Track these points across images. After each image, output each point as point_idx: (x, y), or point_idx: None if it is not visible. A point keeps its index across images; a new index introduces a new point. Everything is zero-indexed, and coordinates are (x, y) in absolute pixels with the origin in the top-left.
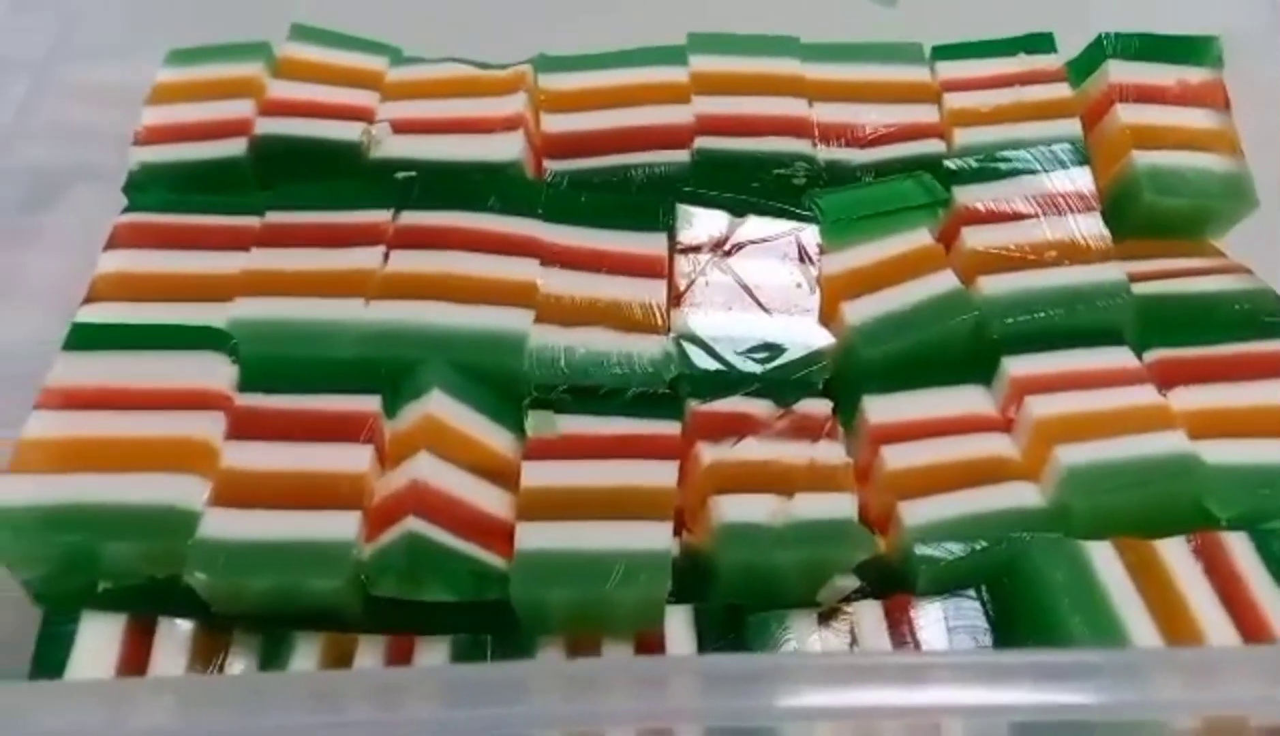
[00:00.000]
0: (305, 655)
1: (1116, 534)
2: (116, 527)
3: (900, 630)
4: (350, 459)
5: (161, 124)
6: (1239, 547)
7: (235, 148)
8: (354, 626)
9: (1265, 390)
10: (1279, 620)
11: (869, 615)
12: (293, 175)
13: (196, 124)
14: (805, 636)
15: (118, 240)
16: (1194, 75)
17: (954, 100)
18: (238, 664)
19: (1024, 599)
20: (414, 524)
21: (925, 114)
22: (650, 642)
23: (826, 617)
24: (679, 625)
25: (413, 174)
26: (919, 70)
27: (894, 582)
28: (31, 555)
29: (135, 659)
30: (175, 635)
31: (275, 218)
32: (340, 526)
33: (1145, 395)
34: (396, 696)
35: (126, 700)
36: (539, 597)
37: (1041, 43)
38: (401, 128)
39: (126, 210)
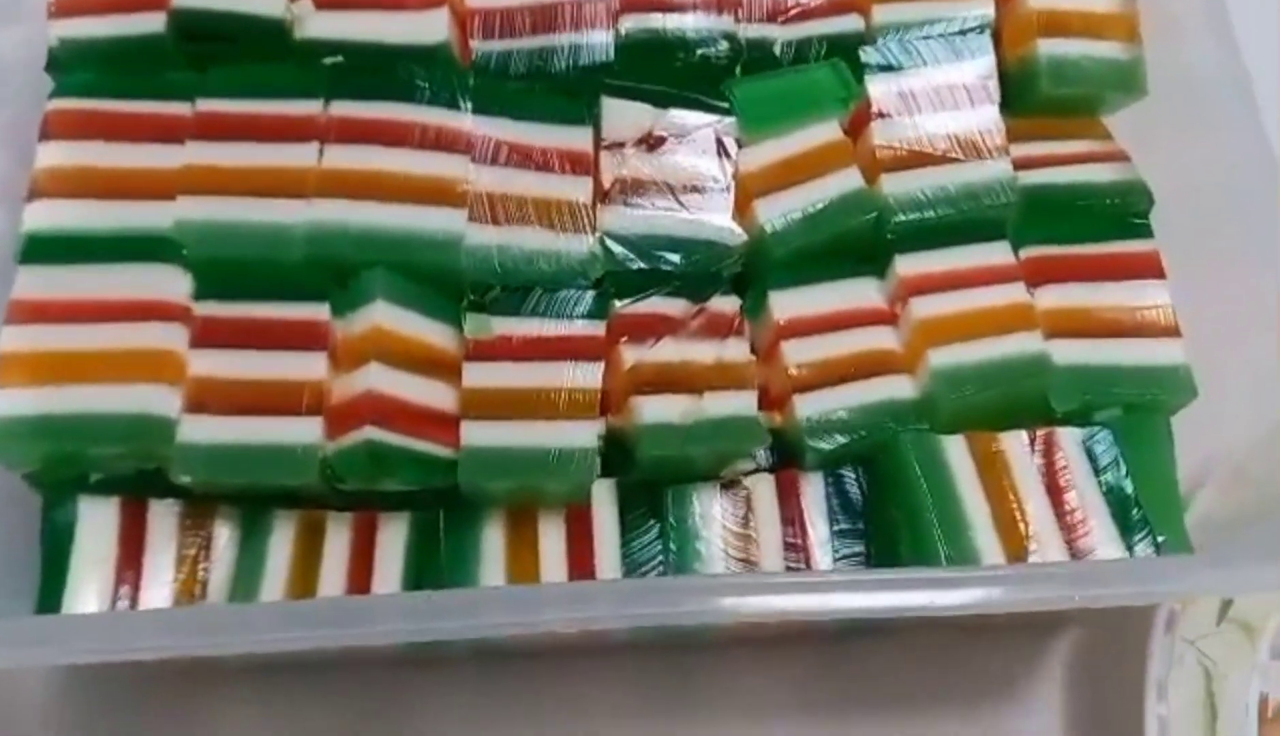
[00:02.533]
0: (282, 530)
1: (975, 424)
2: (101, 434)
3: (789, 501)
4: (308, 366)
5: None
6: (1067, 442)
7: (154, 23)
8: (323, 503)
9: (1116, 292)
10: (1088, 506)
11: (763, 487)
12: (217, 51)
13: None
14: (709, 506)
15: (51, 130)
16: None
17: None
18: (223, 538)
19: (892, 480)
20: (371, 431)
21: None
22: (579, 512)
23: (728, 488)
24: (603, 496)
25: (340, 59)
26: None
27: (786, 451)
28: (25, 458)
29: (133, 537)
30: (166, 514)
31: (207, 107)
32: (305, 431)
33: (1014, 294)
34: (378, 616)
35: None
36: (483, 486)
37: None
38: (323, 2)
39: (54, 94)
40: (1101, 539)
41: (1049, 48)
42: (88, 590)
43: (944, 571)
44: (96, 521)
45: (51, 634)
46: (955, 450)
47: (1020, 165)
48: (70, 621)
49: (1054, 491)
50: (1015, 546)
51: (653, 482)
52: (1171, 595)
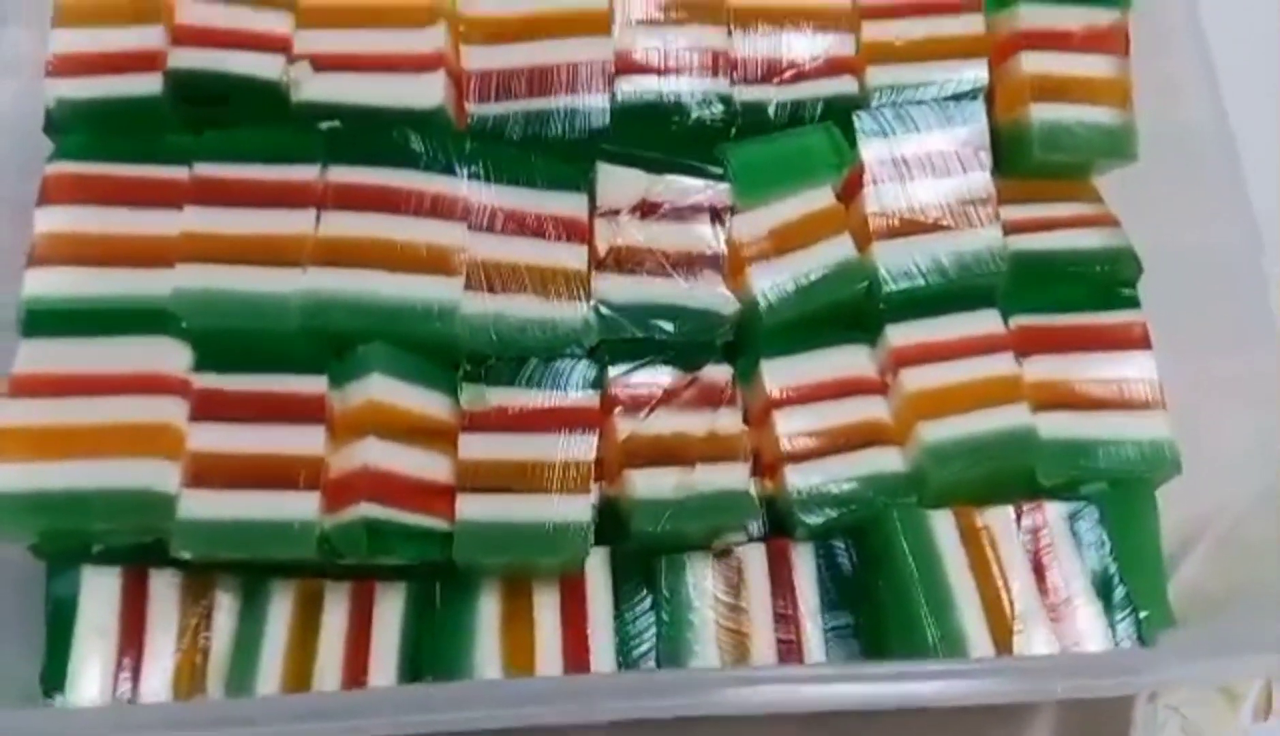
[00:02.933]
0: (281, 599)
1: (963, 495)
2: (100, 510)
3: (780, 571)
4: (305, 440)
5: (72, 52)
6: (1053, 519)
7: (151, 84)
8: (322, 572)
9: (1103, 364)
10: (1072, 584)
11: (755, 557)
12: (214, 113)
13: (108, 55)
14: (702, 576)
15: (50, 195)
16: (1101, 18)
17: (871, 31)
18: (223, 607)
19: (880, 555)
20: (367, 508)
21: (842, 45)
22: (574, 583)
23: (720, 557)
24: (598, 566)
25: (337, 124)
26: None
27: (776, 517)
28: (26, 532)
29: (135, 607)
30: (167, 584)
31: (205, 171)
32: (303, 506)
33: (1003, 365)
34: (375, 710)
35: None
36: (477, 560)
37: None
38: (321, 64)
39: (53, 157)
40: (1085, 617)
41: (1042, 113)
42: (91, 659)
43: (931, 665)
44: (99, 591)
45: (53, 728)
46: (942, 527)
47: (1011, 229)
48: (73, 716)
49: (1039, 568)
50: (1000, 624)
51: (646, 551)
52: (1152, 685)
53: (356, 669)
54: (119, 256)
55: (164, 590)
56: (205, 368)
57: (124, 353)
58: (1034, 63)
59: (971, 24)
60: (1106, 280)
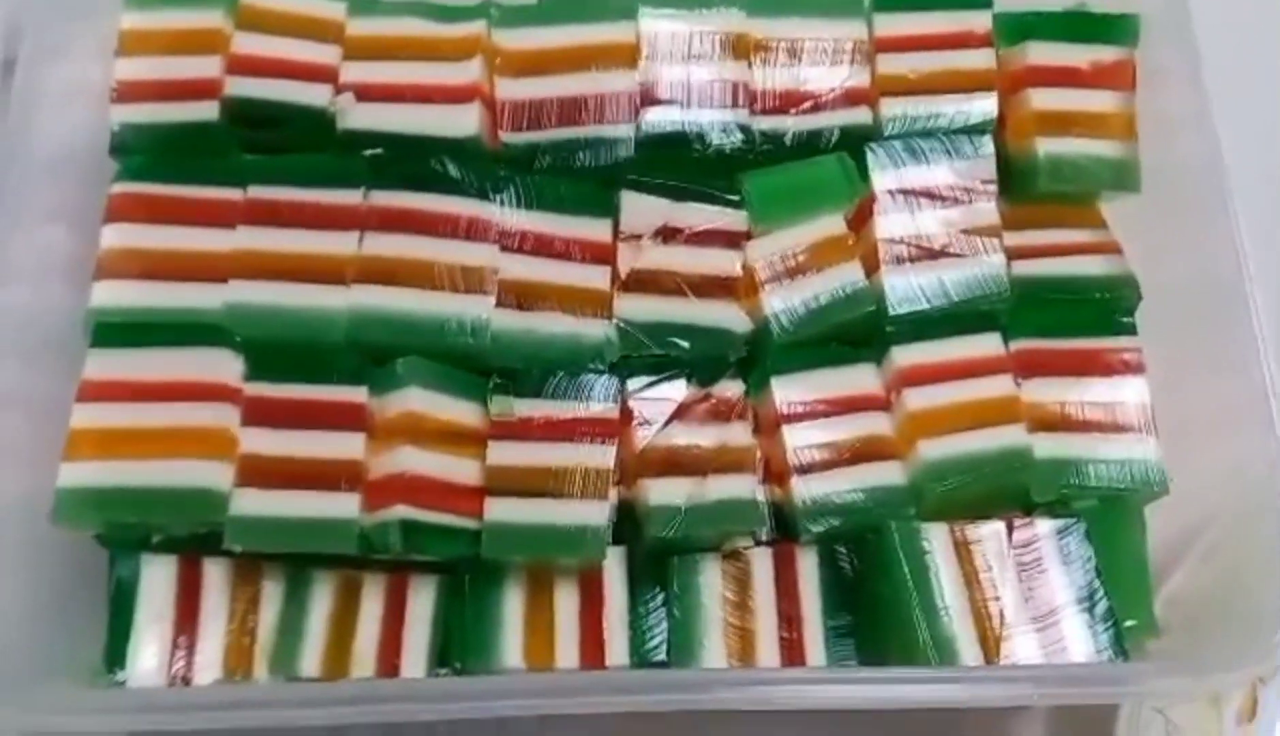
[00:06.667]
0: (323, 587)
1: (959, 509)
2: (160, 505)
3: (785, 573)
4: (347, 445)
5: (135, 79)
6: (1042, 534)
7: (209, 111)
8: (360, 563)
9: (1099, 388)
10: (1058, 597)
11: (762, 559)
12: (266, 135)
13: (168, 82)
14: (712, 577)
15: (115, 213)
16: (1108, 55)
17: (885, 63)
18: (270, 593)
19: (879, 563)
20: (403, 509)
21: (857, 77)
22: (592, 579)
23: (729, 559)
24: (614, 564)
25: (380, 151)
26: (857, 25)
27: (782, 522)
28: (91, 524)
29: (190, 592)
30: (219, 571)
31: (257, 193)
32: (344, 505)
33: (1003, 386)
34: (422, 696)
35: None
36: (503, 557)
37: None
38: (365, 93)
39: (118, 178)
40: (1069, 627)
41: (1047, 146)
42: (150, 639)
43: (922, 670)
44: (157, 577)
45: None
46: (938, 539)
47: (1016, 253)
48: (129, 695)
49: (1027, 581)
50: (988, 633)
51: (660, 552)
52: (1126, 696)
53: (390, 653)
54: (177, 271)
55: (216, 577)
56: (256, 377)
57: (181, 362)
58: (1042, 98)
59: (983, 58)
60: (1106, 306)
